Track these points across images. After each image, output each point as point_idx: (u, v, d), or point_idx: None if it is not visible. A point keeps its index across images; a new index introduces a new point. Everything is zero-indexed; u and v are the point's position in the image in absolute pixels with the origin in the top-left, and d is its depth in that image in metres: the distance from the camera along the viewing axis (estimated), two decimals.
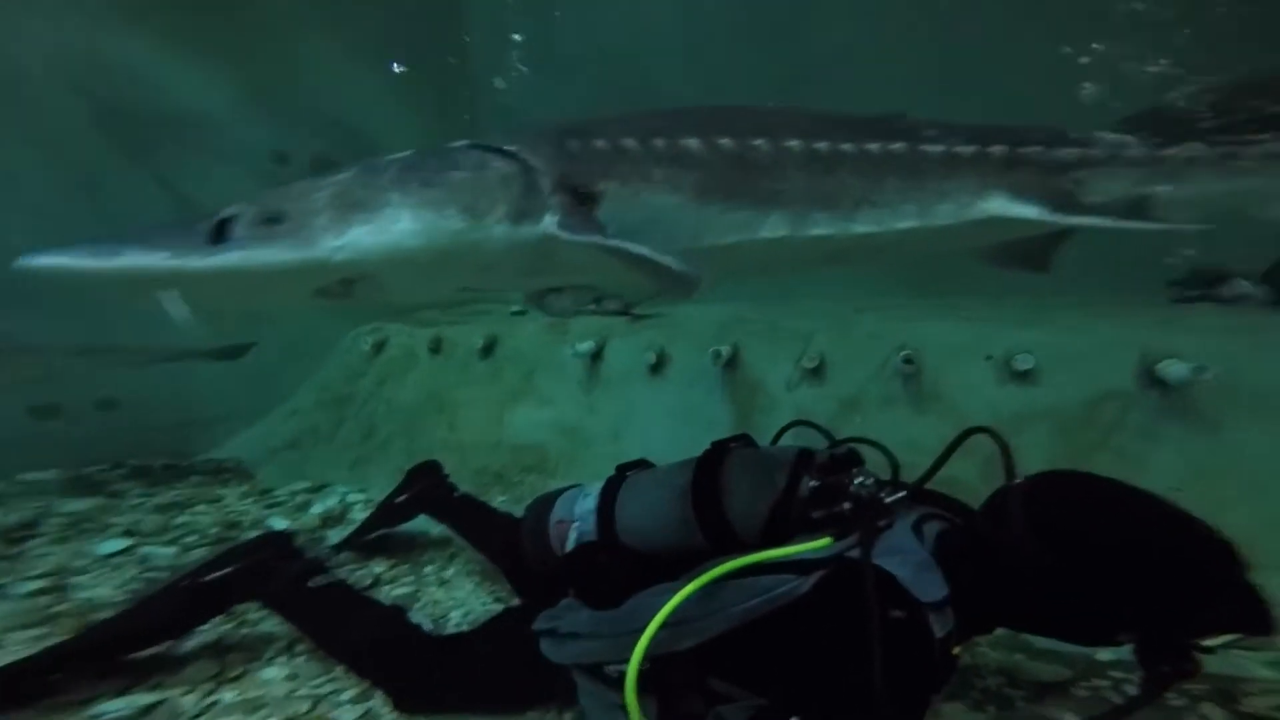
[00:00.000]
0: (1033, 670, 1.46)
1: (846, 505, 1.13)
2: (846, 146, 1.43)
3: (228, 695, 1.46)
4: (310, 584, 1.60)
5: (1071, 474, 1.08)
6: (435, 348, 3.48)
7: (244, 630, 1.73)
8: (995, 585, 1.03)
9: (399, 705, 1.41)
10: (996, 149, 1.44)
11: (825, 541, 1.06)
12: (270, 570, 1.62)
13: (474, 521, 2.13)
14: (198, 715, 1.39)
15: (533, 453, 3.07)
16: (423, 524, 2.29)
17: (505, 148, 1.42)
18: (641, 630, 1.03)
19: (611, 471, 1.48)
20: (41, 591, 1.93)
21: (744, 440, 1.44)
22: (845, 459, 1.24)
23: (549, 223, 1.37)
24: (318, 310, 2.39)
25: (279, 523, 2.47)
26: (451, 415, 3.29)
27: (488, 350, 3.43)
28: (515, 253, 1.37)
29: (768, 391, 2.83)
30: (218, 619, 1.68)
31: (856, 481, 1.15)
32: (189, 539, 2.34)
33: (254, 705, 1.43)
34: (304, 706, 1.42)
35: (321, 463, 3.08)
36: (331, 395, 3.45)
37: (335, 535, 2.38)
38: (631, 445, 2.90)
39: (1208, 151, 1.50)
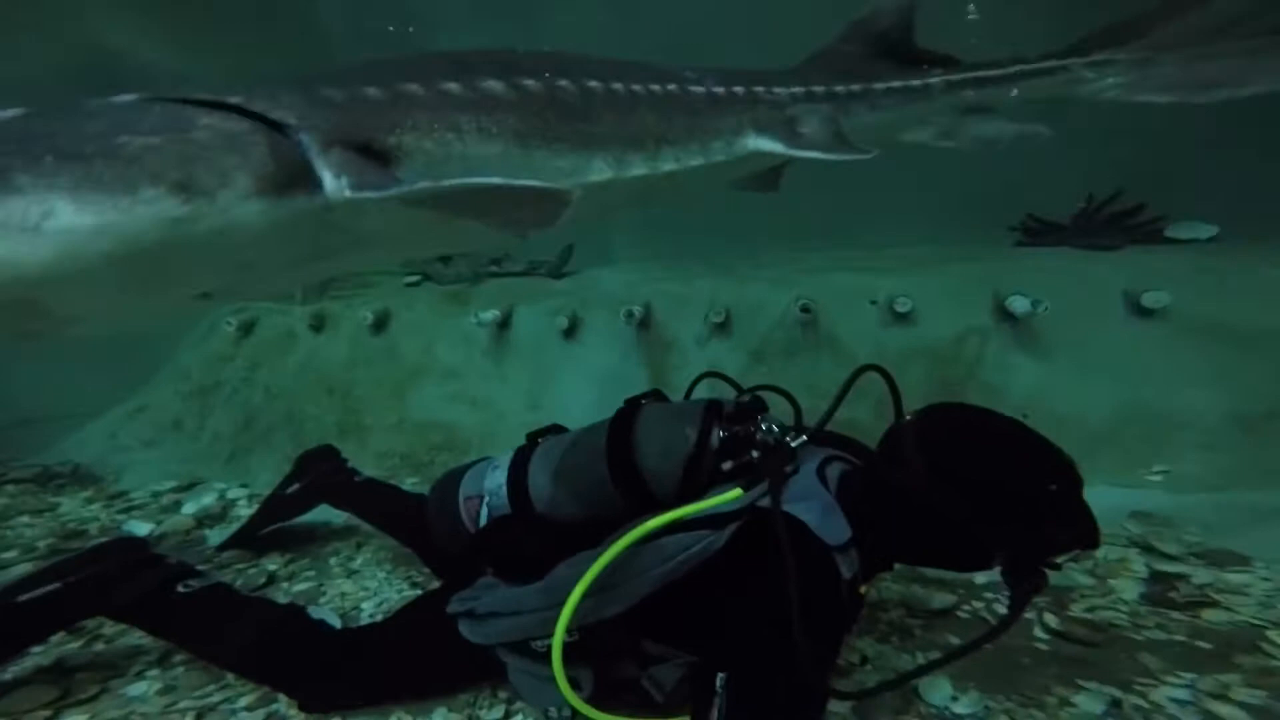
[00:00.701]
0: (925, 598, 1.59)
1: (755, 454, 1.15)
2: (638, 88, 1.39)
3: (75, 719, 1.24)
4: (180, 589, 1.38)
5: (952, 406, 1.14)
6: (318, 325, 3.14)
7: (98, 646, 1.48)
8: (894, 523, 1.09)
9: (305, 707, 1.27)
10: (748, 90, 1.53)
11: (736, 493, 1.08)
12: (120, 579, 1.38)
13: (380, 505, 1.97)
14: None
15: (441, 430, 2.88)
16: (324, 514, 2.08)
17: (222, 100, 1.01)
18: (563, 603, 1.01)
19: None
20: None
21: (655, 396, 1.44)
22: (750, 408, 1.27)
23: (335, 186, 1.00)
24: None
25: (139, 527, 2.13)
26: (344, 397, 3.00)
27: (380, 325, 3.15)
28: (287, 234, 1.01)
29: (680, 349, 2.87)
30: (56, 638, 1.42)
31: (763, 429, 1.18)
32: (8, 554, 1.94)
33: None
34: (186, 719, 1.23)
35: (189, 459, 2.70)
36: (193, 385, 3.02)
37: (215, 534, 2.10)
38: (550, 413, 2.79)
39: (865, 88, 1.68)
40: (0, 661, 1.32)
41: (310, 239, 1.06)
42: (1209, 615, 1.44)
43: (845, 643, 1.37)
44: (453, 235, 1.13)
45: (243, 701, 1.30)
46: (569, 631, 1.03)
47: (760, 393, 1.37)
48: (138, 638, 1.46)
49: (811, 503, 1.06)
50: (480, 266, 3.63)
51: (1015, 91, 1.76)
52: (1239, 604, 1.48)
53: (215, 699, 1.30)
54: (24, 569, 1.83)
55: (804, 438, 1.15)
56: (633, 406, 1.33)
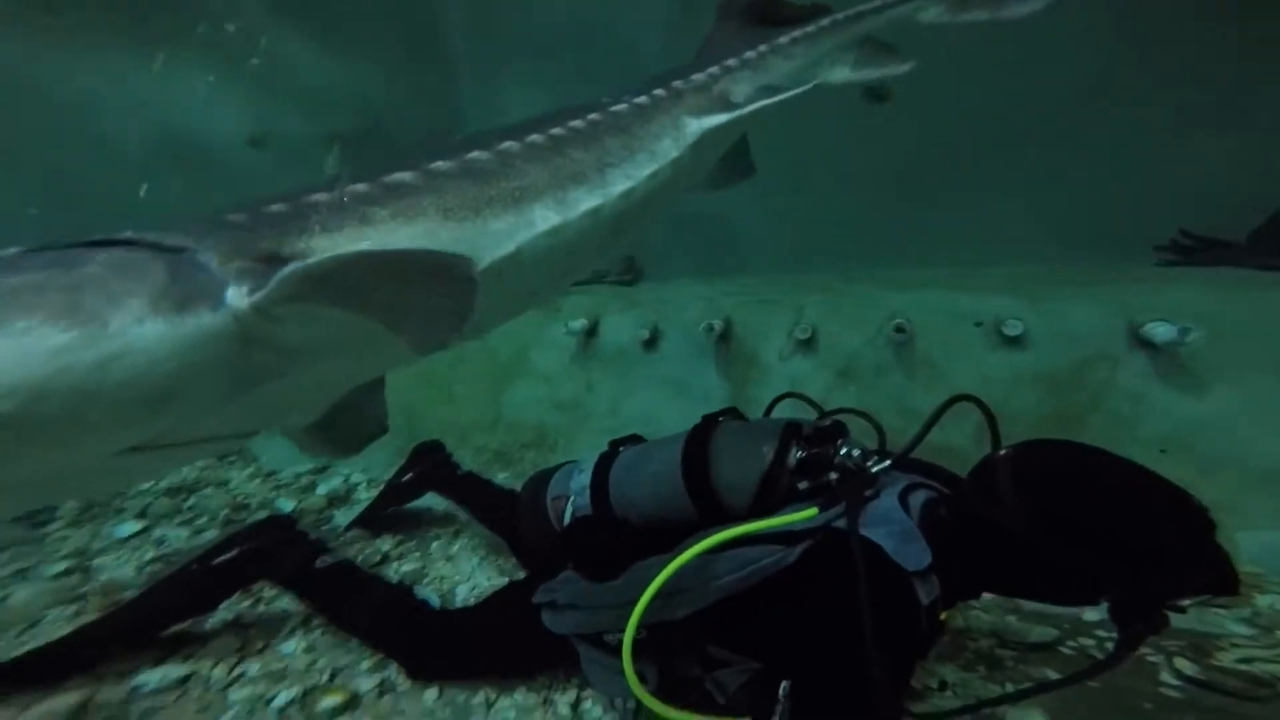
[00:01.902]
0: (1022, 631, 1.53)
1: (833, 476, 1.17)
2: (557, 130, 1.31)
3: (253, 667, 1.55)
4: (317, 564, 1.67)
5: (1054, 442, 1.09)
6: None
7: (261, 608, 1.81)
8: (981, 552, 1.06)
9: (412, 675, 1.49)
10: (667, 88, 1.45)
11: (811, 512, 1.10)
12: (274, 552, 1.69)
13: (477, 498, 2.20)
14: (228, 685, 1.48)
15: (531, 430, 3.13)
16: (428, 501, 2.36)
17: (112, 237, 0.94)
18: (635, 601, 1.09)
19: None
20: (68, 572, 2.01)
21: (733, 413, 1.48)
22: (831, 430, 1.28)
23: (237, 294, 0.89)
24: None
25: (286, 504, 2.54)
26: (450, 395, 3.34)
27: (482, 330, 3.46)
28: (202, 358, 0.89)
29: (761, 364, 2.90)
30: (235, 597, 1.76)
31: (842, 452, 1.19)
32: (199, 521, 2.41)
33: (278, 676, 1.51)
34: (324, 677, 1.51)
35: None
36: None
37: (341, 514, 2.45)
38: (629, 420, 2.97)
39: (770, 45, 1.67)
40: (201, 613, 1.68)
41: (232, 362, 0.93)
42: None
43: (921, 666, 1.38)
44: (393, 346, 0.96)
45: (364, 665, 1.55)
46: (638, 628, 1.10)
47: (843, 416, 1.38)
48: (286, 602, 1.78)
49: (890, 527, 1.06)
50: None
51: (883, 21, 1.80)
52: None
53: (344, 661, 1.56)
54: (212, 535, 2.28)
55: (887, 463, 1.16)
56: (710, 422, 1.38)
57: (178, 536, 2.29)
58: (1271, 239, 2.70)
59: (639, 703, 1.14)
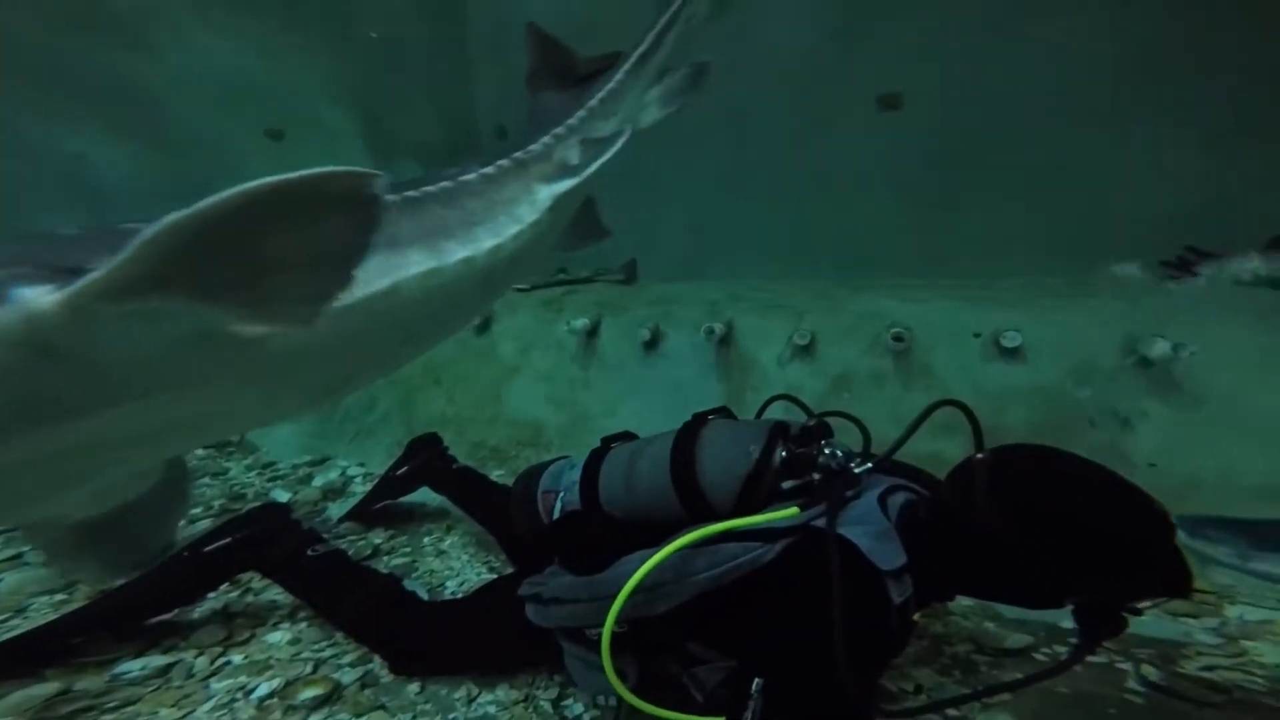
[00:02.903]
0: (999, 637, 1.54)
1: (816, 476, 1.18)
2: (413, 192, 1.26)
3: (236, 657, 1.55)
4: (309, 553, 1.67)
5: (1030, 447, 1.11)
6: None
7: (249, 598, 1.81)
8: (955, 554, 1.08)
9: (394, 668, 1.48)
10: (513, 160, 1.50)
11: (793, 511, 1.11)
12: (267, 540, 1.68)
13: (471, 493, 2.20)
14: (210, 675, 1.48)
15: (529, 427, 3.13)
16: (422, 495, 2.36)
17: None
18: (615, 596, 1.09)
19: None
20: None
21: (723, 412, 1.50)
22: (815, 431, 1.28)
23: (38, 292, 0.67)
24: None
25: (281, 495, 2.54)
26: (449, 389, 3.34)
27: (485, 325, 3.47)
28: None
29: (760, 368, 2.88)
30: (224, 587, 1.76)
31: (826, 453, 1.20)
32: (194, 511, 2.42)
33: (261, 667, 1.51)
34: (307, 668, 1.50)
35: (322, 435, 3.14)
36: None
37: (336, 507, 2.46)
38: (626, 420, 2.93)
39: (589, 108, 1.73)
40: (190, 601, 1.68)
41: (34, 377, 0.70)
42: None
43: (898, 668, 1.39)
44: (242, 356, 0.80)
45: (347, 658, 1.54)
46: (619, 623, 1.10)
47: (832, 419, 1.39)
48: (275, 592, 1.78)
49: (868, 527, 1.08)
50: (550, 275, 3.91)
51: (667, 50, 1.91)
52: None
53: (328, 653, 1.55)
54: (205, 524, 2.28)
55: (869, 465, 1.18)
56: (699, 420, 1.39)
57: None
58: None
59: (620, 700, 1.14)
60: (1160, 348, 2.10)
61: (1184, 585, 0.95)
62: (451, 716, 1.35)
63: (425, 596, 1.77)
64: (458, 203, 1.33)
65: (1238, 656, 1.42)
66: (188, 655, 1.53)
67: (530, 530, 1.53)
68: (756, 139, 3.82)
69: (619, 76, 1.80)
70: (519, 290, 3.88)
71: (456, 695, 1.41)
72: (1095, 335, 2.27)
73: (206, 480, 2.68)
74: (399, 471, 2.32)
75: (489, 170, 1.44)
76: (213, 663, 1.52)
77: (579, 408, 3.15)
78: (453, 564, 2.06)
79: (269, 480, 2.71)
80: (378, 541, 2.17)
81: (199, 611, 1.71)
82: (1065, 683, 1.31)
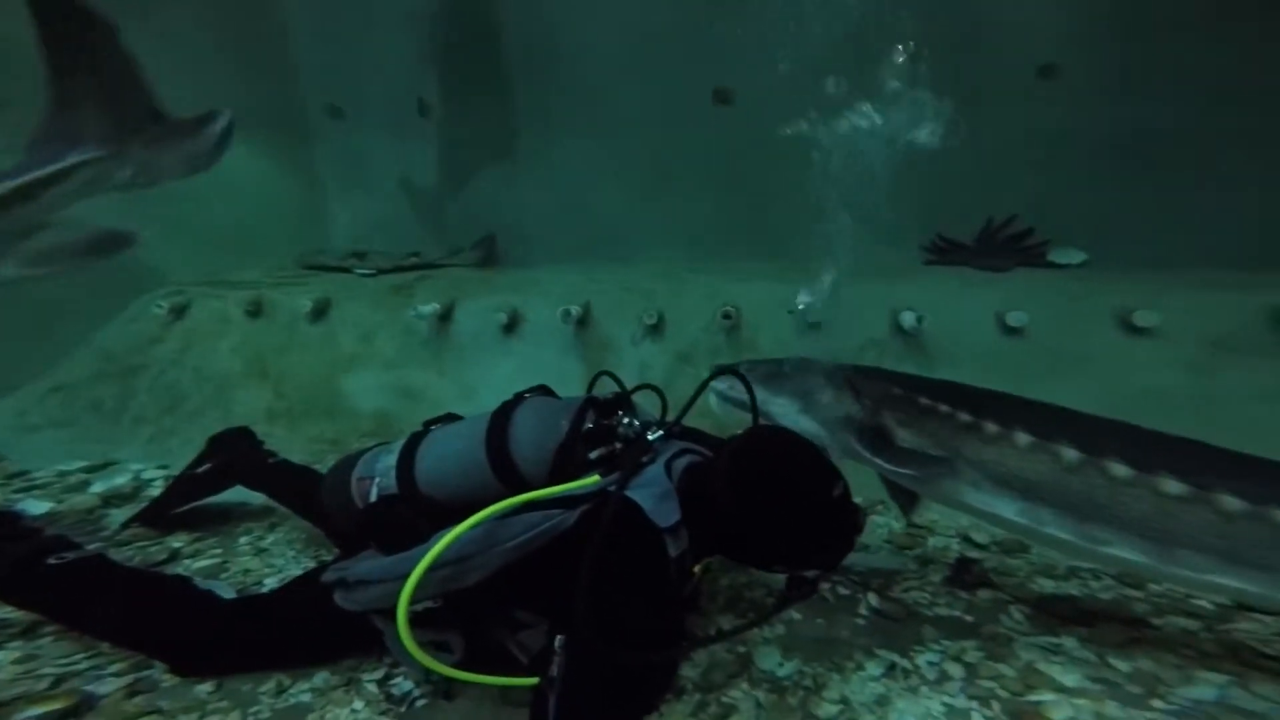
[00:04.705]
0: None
1: (618, 445, 1.28)
2: None
3: None
4: (51, 561, 1.38)
5: (773, 429, 1.31)
6: (255, 311, 3.12)
7: None
8: (708, 517, 1.21)
9: (178, 670, 1.28)
10: None
11: (593, 479, 1.20)
12: None
13: (293, 488, 1.97)
14: None
15: (373, 418, 2.89)
16: (243, 495, 2.07)
17: None
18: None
19: None
20: None
21: (542, 390, 1.57)
22: (616, 404, 1.38)
23: None
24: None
25: (36, 506, 2.07)
26: (277, 382, 2.98)
27: (319, 313, 3.15)
28: None
29: (616, 348, 2.94)
30: None
31: (623, 424, 1.30)
32: None
33: None
34: (40, 685, 1.23)
35: (104, 439, 2.63)
36: (117, 366, 2.95)
37: (123, 514, 2.06)
38: (483, 406, 2.84)
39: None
40: None
41: None
42: (982, 594, 1.61)
43: (693, 619, 1.49)
44: None
45: (113, 668, 1.29)
46: (433, 598, 1.12)
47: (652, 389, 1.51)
48: (7, 612, 1.44)
49: (652, 489, 1.18)
50: (400, 259, 3.69)
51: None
52: (1007, 584, 1.65)
53: (81, 666, 1.29)
54: None
55: (660, 433, 1.28)
56: (516, 399, 1.44)
57: None
58: (989, 243, 3.30)
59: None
60: (908, 318, 2.55)
61: (831, 564, 1.24)
62: (254, 710, 1.19)
63: (230, 595, 1.54)
64: None
65: (923, 579, 1.70)
66: None
67: (345, 519, 1.46)
68: (612, 126, 3.89)
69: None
70: (364, 275, 3.59)
71: (263, 689, 1.24)
72: (872, 312, 2.68)
73: None
74: (199, 470, 2.03)
75: None
76: None
77: (432, 395, 2.98)
78: (275, 561, 1.83)
79: (16, 491, 2.19)
80: (177, 545, 1.86)
81: None
82: (819, 612, 1.52)
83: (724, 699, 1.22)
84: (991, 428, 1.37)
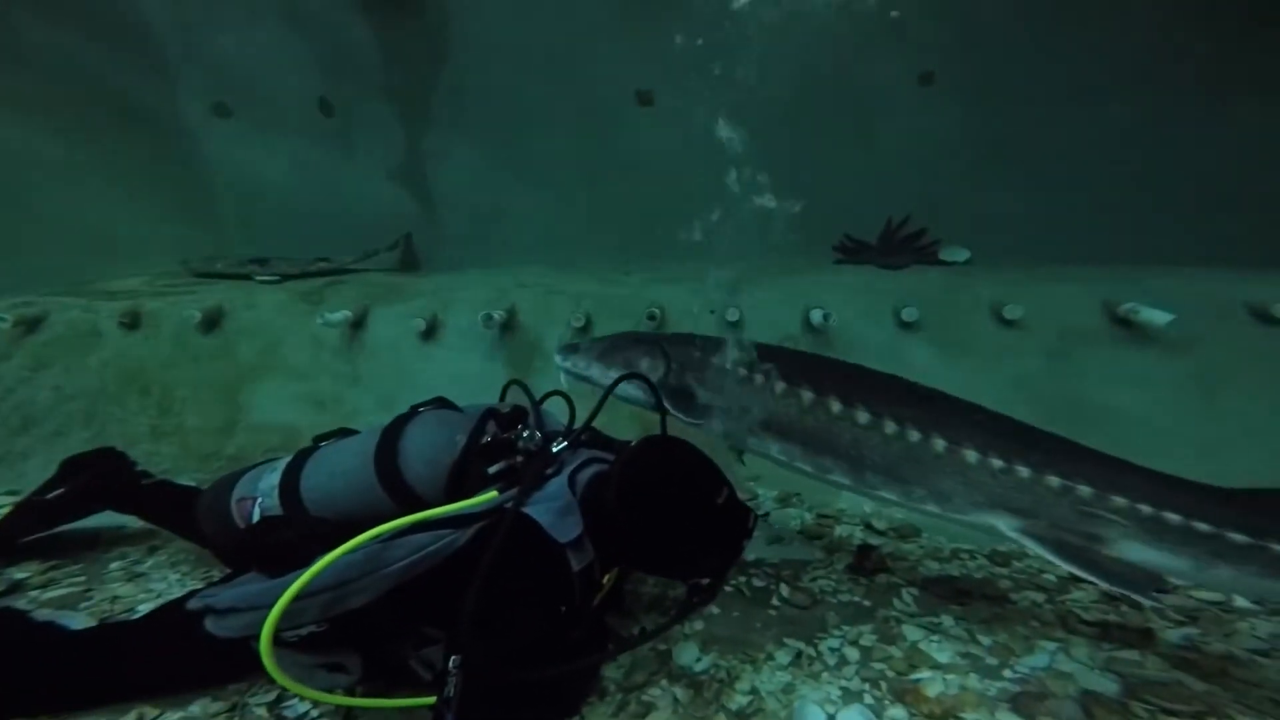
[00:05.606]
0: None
1: (519, 459, 1.22)
2: None
3: None
4: None
5: (673, 442, 1.25)
6: (131, 323, 2.81)
7: None
8: (606, 528, 1.18)
9: (11, 713, 1.11)
10: None
11: (491, 495, 1.14)
12: None
13: (173, 508, 1.77)
14: None
15: (279, 432, 2.66)
16: (116, 520, 1.85)
17: None
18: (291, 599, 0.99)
19: None
20: None
21: (439, 402, 1.49)
22: (516, 415, 1.33)
23: None
24: None
25: None
26: (161, 398, 2.69)
27: (211, 324, 2.88)
28: None
29: (544, 352, 2.87)
30: None
31: (524, 436, 1.24)
32: None
33: None
34: None
35: None
36: None
37: None
38: None
39: None
40: None
41: None
42: (879, 579, 1.69)
43: (632, 615, 1.48)
44: None
45: None
46: (316, 623, 1.04)
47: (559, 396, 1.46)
48: None
49: (552, 504, 1.14)
50: (307, 264, 3.48)
51: None
52: (899, 567, 1.75)
53: None
54: None
55: (564, 444, 1.23)
56: (410, 413, 1.36)
57: None
58: (890, 243, 3.56)
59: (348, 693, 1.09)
60: (816, 315, 2.68)
61: (719, 573, 1.17)
62: None
63: (80, 624, 1.33)
64: None
65: (829, 567, 1.75)
66: None
67: (225, 542, 1.38)
68: (539, 128, 3.86)
69: None
70: (264, 282, 3.32)
71: None
72: (785, 310, 2.77)
73: None
74: (50, 495, 1.77)
75: None
76: None
77: (347, 406, 2.79)
78: (154, 585, 1.64)
79: None
80: (22, 576, 1.62)
81: None
82: (736, 605, 1.55)
83: (644, 697, 1.21)
84: (759, 380, 1.53)
